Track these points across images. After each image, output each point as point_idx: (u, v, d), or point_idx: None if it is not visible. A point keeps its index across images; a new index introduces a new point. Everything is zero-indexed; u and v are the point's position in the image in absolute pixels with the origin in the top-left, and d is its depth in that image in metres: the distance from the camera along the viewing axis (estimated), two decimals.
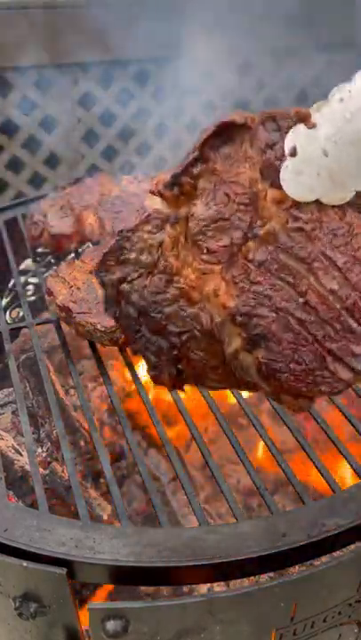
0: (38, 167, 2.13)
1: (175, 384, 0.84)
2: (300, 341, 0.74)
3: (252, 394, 1.06)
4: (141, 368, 0.97)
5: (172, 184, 0.81)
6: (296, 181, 0.74)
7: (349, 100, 0.70)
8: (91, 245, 1.36)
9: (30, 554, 0.72)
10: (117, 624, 0.70)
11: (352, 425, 0.91)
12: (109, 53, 1.96)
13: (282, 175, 0.75)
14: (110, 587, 1.01)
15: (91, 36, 1.85)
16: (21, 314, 1.46)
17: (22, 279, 1.48)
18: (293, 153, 0.74)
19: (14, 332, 1.18)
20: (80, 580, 0.73)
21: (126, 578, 0.73)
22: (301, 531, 0.74)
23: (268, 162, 0.77)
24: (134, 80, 2.12)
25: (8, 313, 1.49)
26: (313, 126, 0.73)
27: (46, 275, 1.35)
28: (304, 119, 0.74)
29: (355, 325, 0.74)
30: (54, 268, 1.28)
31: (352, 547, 0.77)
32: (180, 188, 0.81)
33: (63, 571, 0.70)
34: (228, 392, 1.08)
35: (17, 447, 1.13)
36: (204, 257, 0.79)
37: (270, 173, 0.77)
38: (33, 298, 1.56)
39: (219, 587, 0.96)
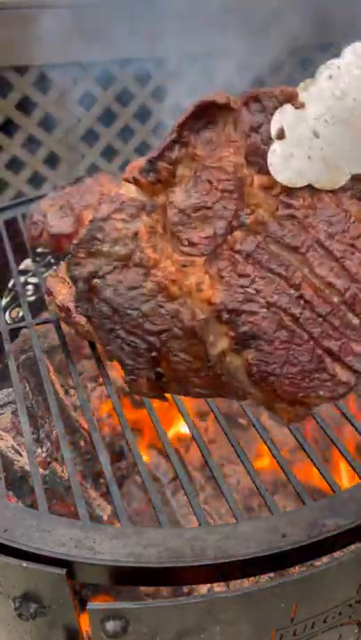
0: (38, 167, 2.13)
1: (155, 390, 0.76)
2: (295, 340, 0.67)
3: None
4: None
5: (148, 170, 0.74)
6: (285, 166, 0.69)
7: (339, 77, 0.65)
8: None
9: (30, 554, 0.72)
10: (117, 624, 0.70)
11: (352, 425, 0.91)
12: (109, 53, 1.96)
13: (269, 159, 0.70)
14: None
15: (90, 36, 1.84)
16: (21, 314, 1.45)
17: (22, 279, 1.48)
18: (281, 135, 0.69)
19: (14, 332, 1.17)
20: (80, 580, 0.73)
21: (126, 578, 0.72)
22: (302, 531, 0.73)
23: (254, 146, 0.71)
24: (135, 79, 2.12)
25: (8, 313, 1.49)
26: (301, 106, 0.68)
27: (46, 275, 1.35)
28: (291, 99, 0.69)
29: (355, 321, 0.67)
30: (54, 267, 1.28)
31: (352, 547, 0.77)
32: (156, 175, 0.74)
33: (63, 571, 0.70)
34: None
35: (17, 447, 1.12)
36: (185, 249, 0.72)
37: (256, 158, 0.71)
38: (33, 298, 1.56)
39: (219, 587, 0.96)
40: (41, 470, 1.07)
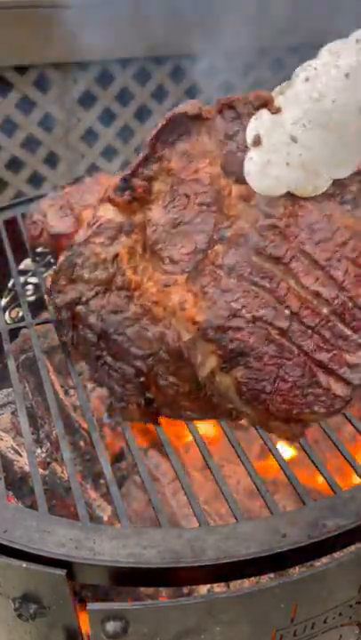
0: (38, 166, 2.13)
1: (146, 416, 0.74)
2: (285, 354, 0.65)
3: None
4: None
5: (123, 188, 0.72)
6: (263, 174, 0.66)
7: (316, 78, 0.62)
8: None
9: (30, 555, 0.72)
10: (117, 625, 0.70)
11: (352, 425, 0.91)
12: (109, 53, 1.96)
13: (246, 168, 0.67)
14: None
15: (90, 36, 1.84)
16: (21, 314, 1.45)
17: (22, 279, 1.48)
18: (257, 142, 0.66)
19: (14, 332, 1.17)
20: (80, 581, 0.73)
21: (126, 579, 0.72)
22: (302, 531, 0.73)
23: (230, 155, 0.68)
24: (134, 79, 2.12)
25: (7, 313, 1.48)
26: (277, 111, 0.65)
27: (46, 274, 1.35)
28: (266, 104, 0.66)
29: (347, 331, 0.64)
30: (54, 267, 1.28)
31: (353, 547, 0.77)
32: (132, 192, 0.72)
33: (63, 572, 0.70)
34: None
35: (16, 448, 1.12)
36: (166, 267, 0.70)
37: (233, 167, 0.68)
38: (32, 298, 1.56)
39: (219, 587, 0.95)
40: (41, 471, 1.07)
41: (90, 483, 1.15)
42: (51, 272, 1.18)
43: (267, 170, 0.66)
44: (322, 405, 0.65)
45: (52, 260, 1.45)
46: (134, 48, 1.97)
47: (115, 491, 0.80)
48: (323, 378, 0.64)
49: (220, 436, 0.95)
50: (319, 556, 0.76)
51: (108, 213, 0.74)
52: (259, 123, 0.66)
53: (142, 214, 0.72)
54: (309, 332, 0.65)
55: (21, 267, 1.48)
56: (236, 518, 0.76)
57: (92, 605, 0.70)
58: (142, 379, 0.72)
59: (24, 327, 1.14)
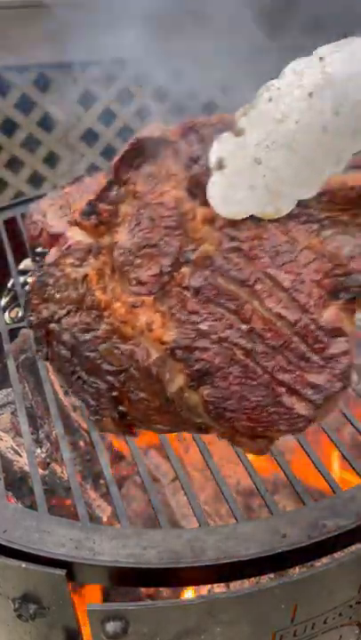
0: (37, 166, 2.13)
1: (121, 427, 0.76)
2: (249, 374, 0.66)
3: None
4: None
5: (89, 213, 0.73)
6: (226, 198, 0.65)
7: (279, 99, 0.61)
8: None
9: (30, 555, 0.72)
10: (117, 625, 0.70)
11: (352, 425, 0.91)
12: (109, 53, 1.96)
13: (209, 192, 0.67)
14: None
15: (90, 36, 1.84)
16: (21, 314, 1.45)
17: (21, 279, 1.48)
18: (220, 165, 0.65)
19: (13, 332, 1.17)
20: (80, 581, 0.73)
21: (126, 579, 0.72)
22: (302, 531, 0.73)
23: (195, 178, 0.68)
24: (134, 79, 2.12)
25: (7, 313, 1.48)
26: (240, 133, 0.64)
27: None
28: (229, 126, 0.65)
29: (309, 353, 0.65)
30: None
31: (353, 548, 0.77)
32: (98, 216, 0.73)
33: (63, 572, 0.70)
34: None
35: (16, 448, 1.12)
36: (134, 288, 0.71)
37: (198, 191, 0.68)
38: None
39: (219, 588, 0.95)
40: (40, 471, 1.07)
41: (90, 483, 1.15)
42: None
43: (230, 193, 0.65)
44: (285, 424, 0.66)
45: None
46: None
47: (115, 491, 0.80)
48: (286, 398, 0.66)
49: None
50: (319, 557, 0.76)
51: (77, 235, 0.76)
52: (222, 146, 0.65)
53: (110, 236, 0.73)
54: (273, 352, 0.66)
55: (21, 267, 1.48)
56: (236, 518, 0.76)
57: (92, 605, 0.70)
58: (115, 393, 0.74)
59: (24, 327, 1.14)
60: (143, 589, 0.99)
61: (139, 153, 0.71)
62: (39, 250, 1.40)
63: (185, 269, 0.69)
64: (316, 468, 0.82)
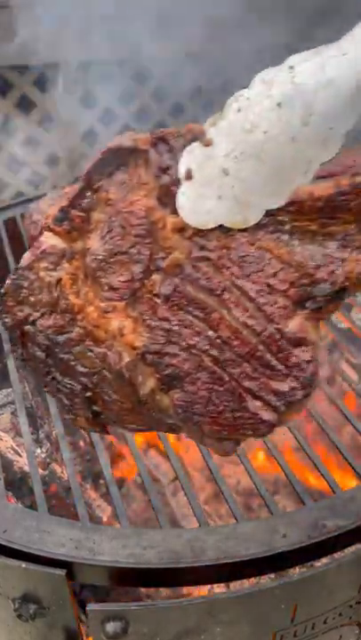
0: (37, 167, 2.13)
1: (95, 426, 0.78)
2: (216, 381, 0.68)
3: None
4: None
5: (61, 219, 0.74)
6: (195, 208, 0.66)
7: (248, 109, 0.60)
8: None
9: (30, 555, 0.72)
10: (117, 625, 0.70)
11: (352, 425, 0.91)
12: (110, 53, 1.95)
13: (178, 202, 0.67)
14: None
15: (90, 35, 1.84)
16: None
17: None
18: (189, 176, 0.65)
19: None
20: (80, 581, 0.73)
21: (126, 579, 0.72)
22: (302, 532, 0.73)
23: (165, 188, 0.69)
24: (134, 79, 2.11)
25: None
26: (209, 144, 0.64)
27: None
28: (198, 136, 0.65)
29: (273, 360, 0.67)
30: None
31: (353, 548, 0.77)
32: (70, 223, 0.74)
33: (63, 572, 0.70)
34: None
35: (16, 448, 1.12)
36: (106, 294, 0.72)
37: (168, 200, 0.69)
38: None
39: (219, 588, 0.95)
40: (40, 471, 1.07)
41: (90, 483, 1.16)
42: None
43: (199, 204, 0.66)
44: (250, 428, 0.69)
45: None
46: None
47: (115, 491, 0.80)
48: (251, 404, 0.68)
49: None
50: (319, 557, 0.76)
51: (51, 240, 0.77)
52: (191, 157, 0.65)
53: (82, 242, 0.74)
54: (240, 360, 0.68)
55: None
56: (235, 518, 0.76)
57: (91, 606, 0.70)
58: (89, 394, 0.76)
59: None
60: (143, 589, 0.99)
61: (110, 161, 0.72)
62: None
63: (156, 277, 0.70)
64: (317, 467, 0.83)
